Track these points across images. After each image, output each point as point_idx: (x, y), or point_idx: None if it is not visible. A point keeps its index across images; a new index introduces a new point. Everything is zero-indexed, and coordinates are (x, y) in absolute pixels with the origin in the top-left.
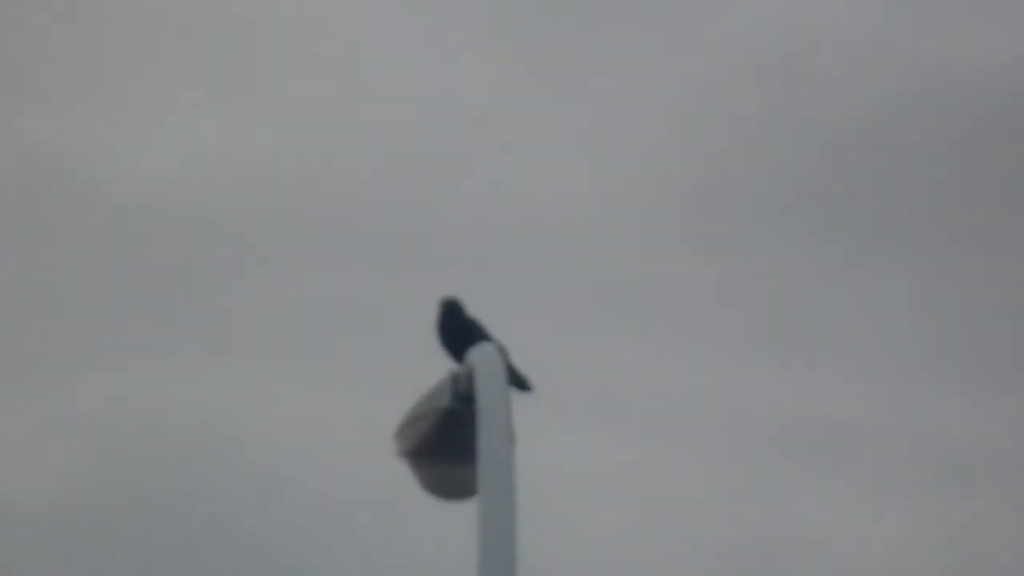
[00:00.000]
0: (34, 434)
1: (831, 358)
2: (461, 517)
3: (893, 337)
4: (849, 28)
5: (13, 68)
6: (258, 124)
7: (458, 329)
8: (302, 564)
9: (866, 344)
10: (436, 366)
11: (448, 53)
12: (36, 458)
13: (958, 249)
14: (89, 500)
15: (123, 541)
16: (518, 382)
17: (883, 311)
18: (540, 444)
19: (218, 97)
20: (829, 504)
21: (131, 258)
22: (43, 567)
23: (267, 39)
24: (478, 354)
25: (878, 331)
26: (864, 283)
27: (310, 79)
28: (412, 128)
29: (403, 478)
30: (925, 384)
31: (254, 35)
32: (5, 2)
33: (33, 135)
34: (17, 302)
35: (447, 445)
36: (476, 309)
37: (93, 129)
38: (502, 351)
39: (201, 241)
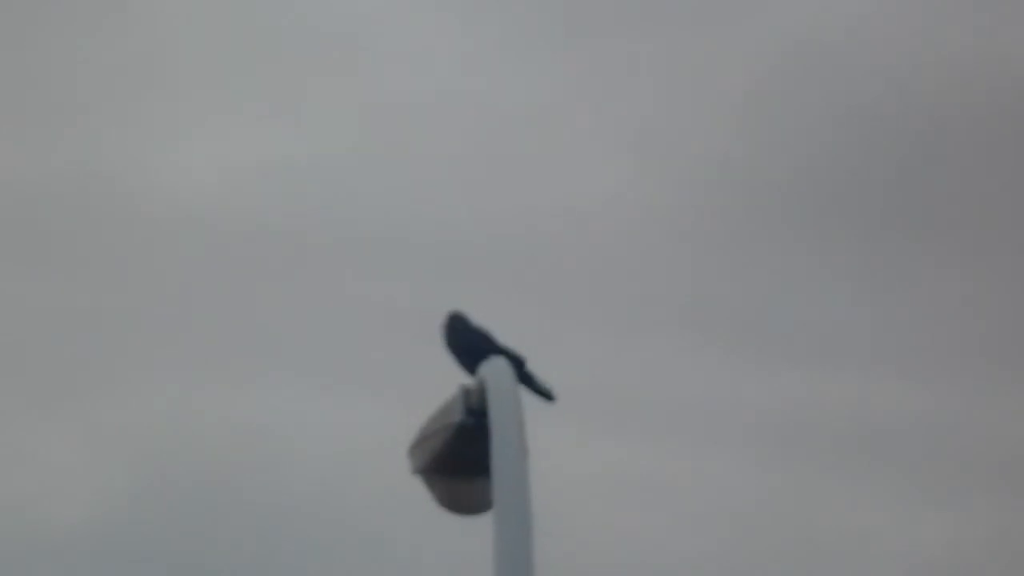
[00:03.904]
0: (74, 453)
1: (870, 360)
2: (477, 531)
3: (934, 338)
4: (890, 25)
5: (51, 83)
6: (297, 136)
7: (467, 340)
8: None
9: (906, 345)
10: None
11: (493, 55)
12: (76, 477)
13: (1004, 246)
14: (129, 518)
15: (163, 559)
16: (540, 392)
17: (925, 312)
18: (569, 451)
19: (256, 110)
20: (868, 507)
21: (170, 274)
22: None
23: (303, 51)
24: (489, 368)
25: (919, 332)
26: (905, 284)
27: (349, 88)
28: (454, 133)
29: (420, 494)
30: (967, 384)
31: (290, 48)
32: (43, 18)
33: (73, 151)
34: (57, 320)
35: (460, 460)
36: (512, 314)
37: (132, 144)
38: (522, 361)
39: (241, 255)
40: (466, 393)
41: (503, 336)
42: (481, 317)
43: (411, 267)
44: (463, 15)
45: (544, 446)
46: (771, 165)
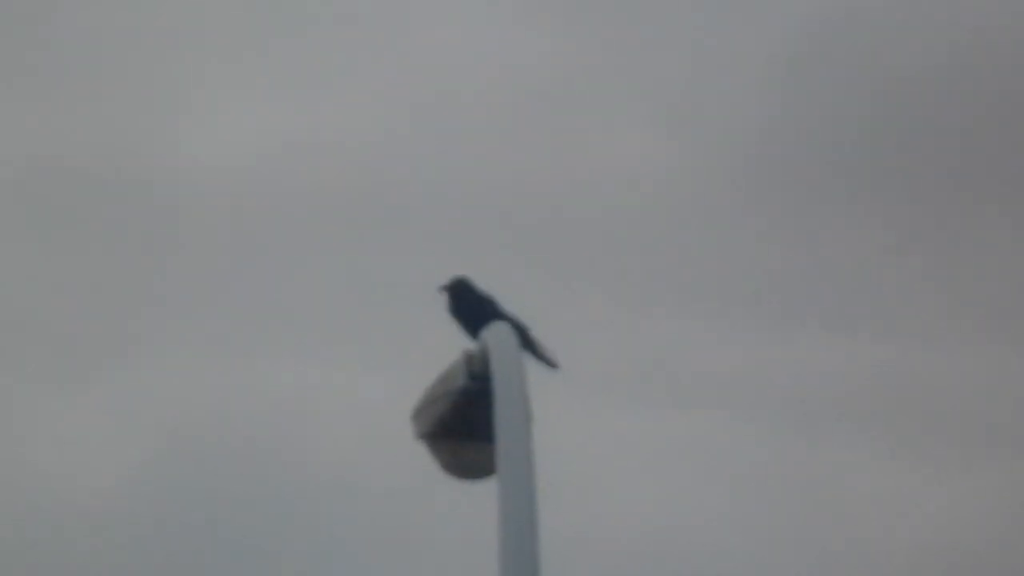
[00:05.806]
0: (97, 427)
1: (891, 328)
2: (481, 496)
3: (950, 307)
4: None
5: (75, 55)
6: (323, 109)
7: (471, 306)
8: (337, 546)
9: (924, 313)
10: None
11: (519, 24)
12: (102, 447)
13: None
14: (152, 492)
15: (187, 528)
16: (543, 359)
17: (945, 281)
18: (592, 419)
19: (281, 83)
20: (886, 473)
21: (193, 247)
22: (106, 558)
23: (331, 24)
24: (492, 333)
25: (937, 302)
26: (928, 252)
27: (374, 61)
28: (478, 104)
29: (423, 459)
30: (986, 351)
31: (318, 21)
32: None
33: (97, 124)
34: (80, 295)
35: (464, 425)
36: (535, 284)
37: (158, 117)
38: (526, 328)
39: (264, 229)
40: (469, 358)
41: (518, 306)
42: (506, 289)
43: (437, 239)
44: None
45: (554, 413)
46: (800, 135)
